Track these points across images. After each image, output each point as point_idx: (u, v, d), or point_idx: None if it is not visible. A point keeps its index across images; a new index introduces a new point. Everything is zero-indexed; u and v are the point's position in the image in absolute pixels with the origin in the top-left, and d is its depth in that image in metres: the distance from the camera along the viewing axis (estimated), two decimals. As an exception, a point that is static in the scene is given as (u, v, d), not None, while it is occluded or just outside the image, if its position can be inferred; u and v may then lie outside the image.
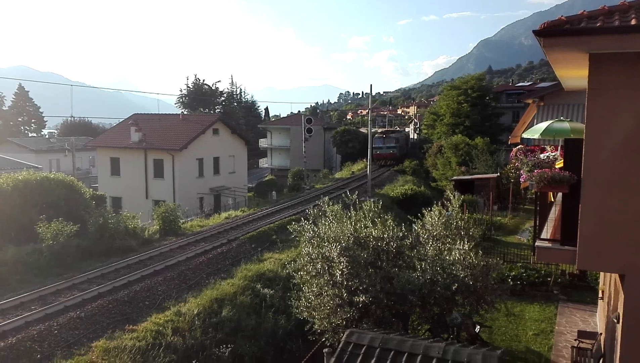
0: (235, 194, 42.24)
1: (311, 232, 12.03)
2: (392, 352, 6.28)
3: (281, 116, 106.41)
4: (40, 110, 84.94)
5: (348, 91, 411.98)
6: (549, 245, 7.12)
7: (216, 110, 78.47)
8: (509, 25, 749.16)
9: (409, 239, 12.08)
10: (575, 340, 11.75)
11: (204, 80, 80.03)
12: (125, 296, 15.86)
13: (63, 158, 54.32)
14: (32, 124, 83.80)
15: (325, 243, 11.53)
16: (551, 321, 14.39)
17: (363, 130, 71.47)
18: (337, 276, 10.99)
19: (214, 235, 24.49)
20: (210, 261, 20.15)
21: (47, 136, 69.64)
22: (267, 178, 62.04)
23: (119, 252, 21.11)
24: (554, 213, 8.63)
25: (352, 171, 54.64)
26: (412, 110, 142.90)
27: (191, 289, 17.24)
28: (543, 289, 16.56)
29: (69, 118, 79.15)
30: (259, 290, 17.58)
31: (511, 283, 16.30)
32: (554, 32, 5.90)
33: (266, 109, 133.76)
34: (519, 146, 9.56)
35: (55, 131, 79.65)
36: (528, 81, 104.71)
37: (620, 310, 6.63)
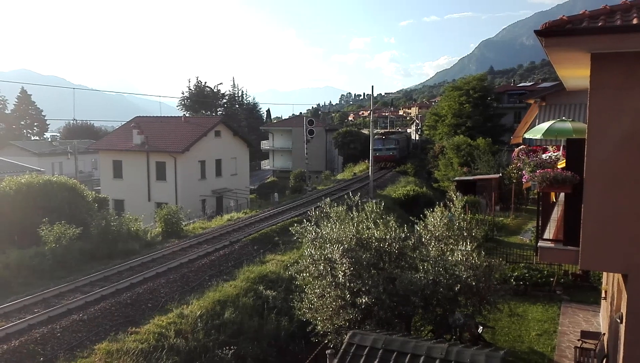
0: (238, 196, 42.28)
1: (313, 234, 12.02)
2: (395, 353, 6.28)
3: (283, 118, 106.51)
4: (43, 113, 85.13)
5: (349, 93, 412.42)
6: (552, 245, 7.11)
7: (218, 112, 78.58)
8: (510, 25, 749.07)
9: (411, 240, 12.07)
10: (578, 340, 11.72)
11: (205, 82, 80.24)
12: (128, 299, 15.87)
13: (66, 161, 54.40)
14: (35, 128, 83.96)
15: (327, 244, 11.53)
16: (554, 321, 14.35)
17: (365, 131, 71.45)
18: (339, 278, 10.98)
19: (216, 237, 24.50)
20: (212, 263, 20.16)
21: (49, 140, 69.70)
22: (269, 180, 62.09)
23: (122, 255, 21.13)
24: (556, 213, 8.62)
25: (354, 173, 54.61)
26: (413, 111, 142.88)
27: (194, 291, 17.25)
28: (546, 289, 16.52)
29: (72, 121, 79.32)
30: (262, 291, 17.58)
31: (514, 283, 16.27)
32: (556, 32, 5.89)
33: (268, 111, 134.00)
34: (521, 147, 9.54)
35: (58, 134, 79.78)
36: (530, 81, 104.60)
37: (624, 310, 6.61)
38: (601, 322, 13.22)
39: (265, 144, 76.63)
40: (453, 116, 56.26)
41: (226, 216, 31.25)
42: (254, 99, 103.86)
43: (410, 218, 13.98)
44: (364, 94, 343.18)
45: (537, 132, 10.68)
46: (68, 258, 19.55)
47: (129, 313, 15.10)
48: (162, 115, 49.08)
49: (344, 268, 10.86)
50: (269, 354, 15.08)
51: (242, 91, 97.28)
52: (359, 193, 13.29)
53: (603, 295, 12.57)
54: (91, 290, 16.42)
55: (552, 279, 16.74)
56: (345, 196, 13.63)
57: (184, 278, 18.37)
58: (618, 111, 6.02)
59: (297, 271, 12.39)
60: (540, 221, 7.89)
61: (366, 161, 50.28)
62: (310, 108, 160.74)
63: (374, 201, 13.14)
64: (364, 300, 10.53)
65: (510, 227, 26.75)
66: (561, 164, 7.65)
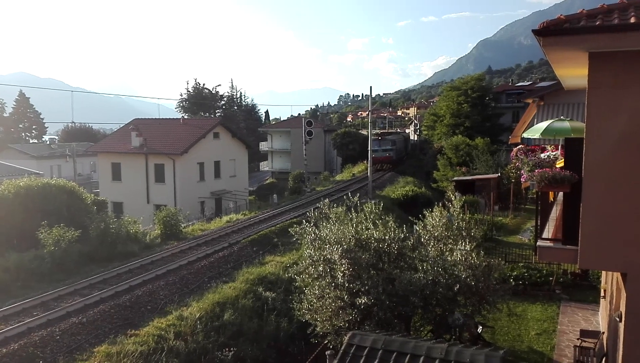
0: (237, 198, 42.26)
1: (313, 234, 12.01)
2: (395, 354, 6.27)
3: (281, 119, 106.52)
4: (41, 116, 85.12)
5: (348, 93, 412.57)
6: (551, 244, 7.11)
7: (216, 114, 78.56)
8: (508, 25, 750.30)
9: (410, 240, 12.06)
10: (577, 339, 11.71)
11: (204, 84, 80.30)
12: (127, 301, 15.85)
13: (64, 163, 54.39)
14: (33, 131, 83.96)
15: (326, 245, 11.51)
16: (553, 320, 14.35)
17: (363, 132, 71.35)
18: (339, 279, 10.98)
19: (215, 238, 24.49)
20: (211, 265, 20.15)
21: (48, 142, 69.64)
22: (268, 181, 62.07)
23: (121, 257, 21.11)
24: (555, 212, 8.63)
25: (353, 173, 54.59)
26: (412, 111, 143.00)
27: (193, 293, 17.24)
28: (545, 289, 16.52)
29: (70, 124, 79.24)
30: (261, 293, 17.57)
31: (513, 283, 16.24)
32: (554, 31, 5.89)
33: (266, 113, 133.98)
34: (520, 146, 9.55)
35: (56, 137, 79.70)
36: (528, 81, 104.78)
37: (623, 309, 6.61)
38: (600, 321, 13.22)
39: (264, 146, 76.64)
40: (451, 116, 56.28)
41: (225, 218, 31.25)
42: (252, 100, 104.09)
43: (409, 218, 13.98)
44: (362, 94, 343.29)
45: (535, 131, 10.69)
46: (67, 261, 19.52)
47: (128, 316, 15.09)
48: (161, 117, 49.05)
49: (343, 269, 10.85)
50: (268, 355, 15.07)
51: (241, 93, 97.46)
52: (358, 194, 13.28)
53: (602, 293, 12.57)
54: (90, 293, 16.40)
55: (551, 278, 16.74)
56: (344, 197, 13.63)
57: (183, 280, 18.36)
58: (616, 110, 6.02)
59: (296, 272, 12.37)
60: (539, 221, 7.88)
61: (365, 162, 50.27)
62: (309, 109, 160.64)
63: (373, 202, 13.14)
64: (363, 301, 10.52)
65: (509, 227, 26.74)
66: (560, 163, 7.65)
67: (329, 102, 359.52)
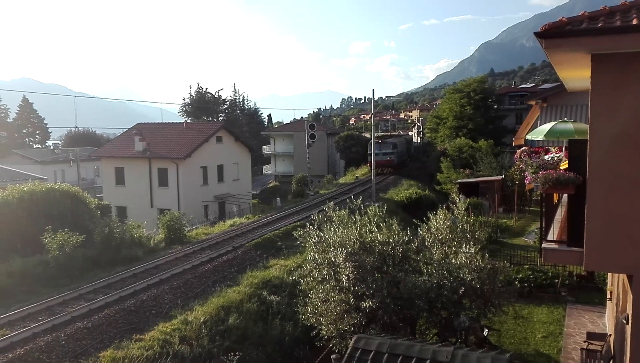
0: (240, 202, 42.30)
1: (316, 238, 12.02)
2: (400, 357, 6.25)
3: (284, 123, 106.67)
4: (45, 121, 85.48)
5: (350, 96, 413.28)
6: (556, 246, 7.09)
7: (219, 118, 78.70)
8: (510, 27, 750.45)
9: (414, 243, 12.06)
10: (584, 341, 11.68)
11: (206, 88, 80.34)
12: (132, 306, 15.87)
13: (68, 168, 54.58)
14: (37, 136, 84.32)
15: (330, 248, 11.52)
16: (560, 323, 14.30)
17: (366, 135, 71.33)
18: (343, 282, 10.97)
19: (219, 242, 24.49)
20: (216, 269, 20.15)
21: (51, 147, 69.99)
22: (271, 185, 62.17)
23: (125, 261, 21.13)
24: (560, 214, 8.60)
25: (356, 176, 54.54)
26: (414, 114, 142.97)
27: (197, 297, 17.23)
28: (551, 291, 16.47)
29: (73, 129, 79.65)
30: (265, 297, 17.55)
31: (518, 285, 16.20)
32: (556, 33, 5.90)
33: (269, 116, 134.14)
34: (523, 148, 9.54)
35: (60, 142, 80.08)
36: (530, 83, 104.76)
37: (629, 311, 6.58)
38: (607, 323, 13.16)
39: (267, 149, 76.74)
40: (454, 119, 56.27)
41: (229, 222, 31.26)
42: (255, 104, 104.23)
43: (414, 221, 13.97)
44: (364, 97, 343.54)
45: (539, 133, 10.70)
46: (71, 266, 19.56)
47: (132, 320, 15.09)
48: (164, 121, 49.21)
49: (347, 272, 10.84)
50: (273, 359, 15.04)
51: (244, 97, 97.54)
52: (362, 197, 13.30)
53: (608, 295, 12.52)
54: (95, 298, 16.42)
55: (556, 280, 16.68)
56: (348, 200, 13.63)
57: (188, 284, 18.36)
58: (619, 111, 6.02)
59: (300, 275, 12.37)
60: (543, 223, 7.86)
61: (367, 165, 50.18)
62: (312, 112, 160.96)
63: (376, 205, 13.13)
64: (368, 304, 10.51)
65: (513, 229, 26.69)
66: (564, 165, 7.64)
67: (331, 106, 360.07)
